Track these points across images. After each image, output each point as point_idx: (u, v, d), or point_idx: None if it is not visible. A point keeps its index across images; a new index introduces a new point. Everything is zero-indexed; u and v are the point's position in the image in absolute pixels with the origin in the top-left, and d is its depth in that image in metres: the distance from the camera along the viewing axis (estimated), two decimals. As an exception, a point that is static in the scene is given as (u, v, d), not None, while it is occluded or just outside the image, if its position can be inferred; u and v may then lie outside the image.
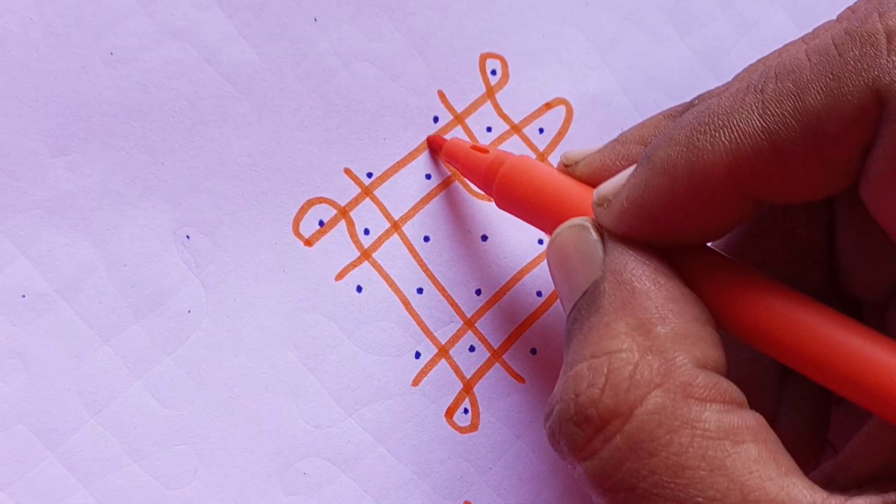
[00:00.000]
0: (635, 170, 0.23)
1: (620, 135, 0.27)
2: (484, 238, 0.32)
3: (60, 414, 0.29)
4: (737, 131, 0.21)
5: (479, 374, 0.32)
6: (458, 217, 0.32)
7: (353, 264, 0.31)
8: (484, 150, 0.29)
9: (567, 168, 0.28)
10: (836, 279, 0.26)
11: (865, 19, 0.20)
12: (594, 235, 0.24)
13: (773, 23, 0.35)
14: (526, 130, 0.33)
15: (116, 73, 0.30)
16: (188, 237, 0.30)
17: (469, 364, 0.32)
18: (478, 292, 0.32)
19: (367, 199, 0.32)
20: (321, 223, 0.31)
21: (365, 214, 0.32)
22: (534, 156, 0.33)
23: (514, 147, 0.33)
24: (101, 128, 0.30)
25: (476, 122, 0.33)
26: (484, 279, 0.32)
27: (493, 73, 0.33)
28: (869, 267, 0.25)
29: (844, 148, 0.20)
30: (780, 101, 0.21)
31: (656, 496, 0.20)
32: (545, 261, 0.32)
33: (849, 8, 0.23)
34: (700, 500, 0.20)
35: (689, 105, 0.26)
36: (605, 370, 0.21)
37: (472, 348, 0.32)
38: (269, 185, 0.31)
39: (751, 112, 0.21)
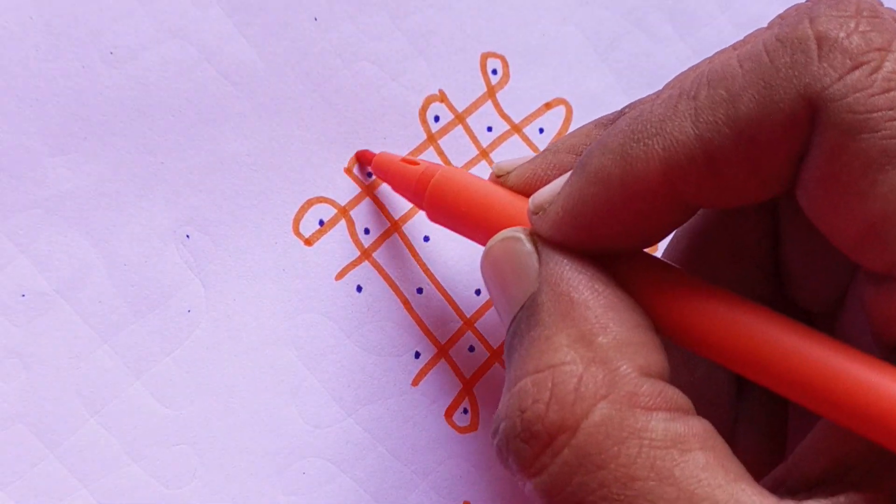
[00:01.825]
0: (569, 178, 0.23)
1: (551, 144, 0.27)
2: (484, 238, 0.32)
3: (60, 414, 0.29)
4: (670, 138, 0.21)
5: (479, 373, 0.32)
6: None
7: (353, 264, 0.31)
8: (414, 163, 0.29)
9: (499, 178, 0.27)
10: (784, 289, 0.26)
11: (796, 25, 0.20)
12: (528, 246, 0.24)
13: (774, 23, 0.35)
14: (526, 130, 0.33)
15: (116, 72, 0.30)
16: (188, 237, 0.30)
17: (469, 364, 0.32)
18: (477, 292, 0.32)
19: (368, 199, 0.32)
20: (321, 223, 0.31)
21: (365, 214, 0.32)
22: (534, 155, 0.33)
23: (514, 147, 0.33)
24: (101, 127, 0.30)
25: (477, 122, 0.33)
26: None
27: (494, 72, 0.33)
28: (815, 275, 0.25)
29: (778, 154, 0.20)
30: (713, 108, 0.21)
31: None
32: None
33: (779, 15, 0.23)
34: None
35: (620, 113, 0.26)
36: (550, 384, 0.21)
37: (471, 348, 0.32)
38: (269, 185, 0.31)
39: (684, 119, 0.21)
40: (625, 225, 0.22)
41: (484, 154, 0.33)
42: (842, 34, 0.20)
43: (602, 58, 0.34)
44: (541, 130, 0.33)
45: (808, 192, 0.21)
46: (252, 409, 0.30)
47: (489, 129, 0.33)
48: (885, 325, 0.21)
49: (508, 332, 0.23)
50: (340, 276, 0.31)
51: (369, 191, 0.32)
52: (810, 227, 0.22)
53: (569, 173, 0.23)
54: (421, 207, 0.28)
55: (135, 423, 0.29)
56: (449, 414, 0.31)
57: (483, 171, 0.33)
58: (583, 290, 0.22)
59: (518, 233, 0.24)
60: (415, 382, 0.31)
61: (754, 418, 0.27)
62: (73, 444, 0.29)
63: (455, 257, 0.32)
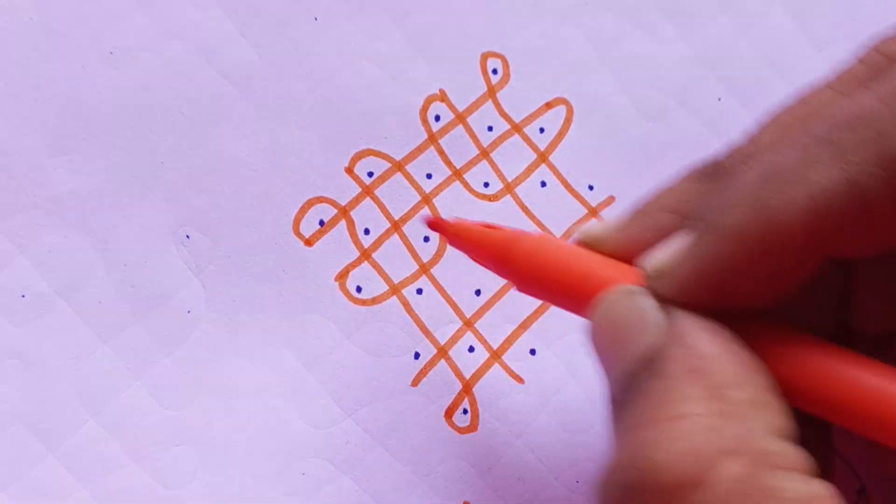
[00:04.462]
0: (695, 238, 0.21)
1: (643, 204, 0.25)
2: (484, 238, 0.32)
3: (60, 414, 0.29)
4: (816, 186, 0.20)
5: (479, 374, 0.32)
6: (457, 217, 0.32)
7: (353, 264, 0.31)
8: (495, 228, 0.27)
9: (589, 246, 0.25)
10: (851, 313, 0.25)
11: None
12: (651, 301, 0.22)
13: (774, 22, 0.35)
14: (527, 130, 0.33)
15: (116, 72, 0.30)
16: (188, 237, 0.30)
17: (468, 364, 0.32)
18: (477, 293, 0.32)
19: (368, 199, 0.32)
20: (321, 223, 0.31)
21: (365, 214, 0.32)
22: (534, 155, 0.33)
23: (515, 147, 0.33)
24: (100, 127, 0.30)
25: (477, 122, 0.33)
26: (483, 279, 0.32)
27: (495, 72, 0.33)
28: (884, 301, 0.24)
29: None
30: (862, 148, 0.19)
31: None
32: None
33: (875, 49, 0.22)
34: None
35: (716, 164, 0.24)
36: (677, 434, 0.19)
37: (471, 349, 0.32)
38: (270, 185, 0.31)
39: (829, 163, 0.20)
40: (760, 283, 0.21)
41: (484, 154, 0.33)
42: None
43: (603, 58, 0.34)
44: (541, 130, 0.33)
45: None
46: (252, 409, 0.30)
47: (490, 128, 0.33)
48: None
49: (619, 386, 0.22)
50: (340, 276, 0.31)
51: (369, 191, 0.32)
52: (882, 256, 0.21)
53: (680, 237, 0.22)
54: (506, 277, 0.26)
55: (135, 423, 0.29)
56: (449, 414, 0.31)
57: (483, 171, 0.33)
58: (714, 346, 0.21)
59: (635, 289, 0.23)
60: (414, 383, 0.31)
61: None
62: (73, 444, 0.29)
63: (455, 257, 0.32)
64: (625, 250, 0.25)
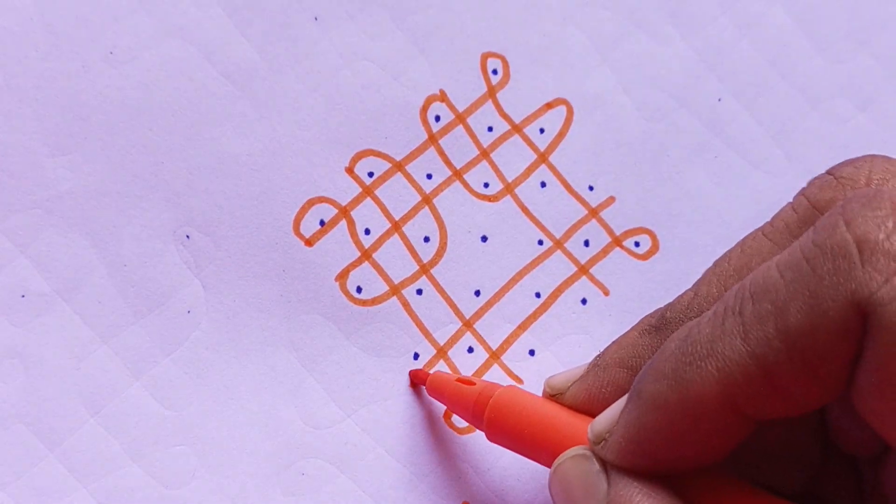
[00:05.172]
0: (626, 405, 0.23)
1: (598, 358, 0.28)
2: (484, 239, 0.32)
3: (60, 414, 0.29)
4: (722, 358, 0.21)
5: (478, 375, 0.32)
6: (458, 217, 0.32)
7: (354, 264, 0.31)
8: (469, 383, 0.29)
9: (553, 396, 0.28)
10: (830, 435, 0.26)
11: (833, 230, 0.20)
12: (596, 466, 0.24)
13: (774, 23, 0.35)
14: (527, 130, 0.33)
15: (116, 72, 0.30)
16: (188, 237, 0.30)
17: (468, 365, 0.32)
18: (477, 293, 0.32)
19: (368, 199, 0.32)
20: (322, 223, 0.31)
21: (366, 214, 0.32)
22: (534, 156, 0.33)
23: (515, 147, 0.33)
24: (101, 127, 0.30)
25: (477, 122, 0.33)
26: (483, 280, 0.32)
27: (495, 72, 0.33)
28: (861, 428, 0.25)
29: (833, 362, 0.20)
30: (761, 322, 0.21)
31: None
32: (544, 263, 0.33)
33: (804, 194, 0.24)
34: None
35: (661, 317, 0.26)
36: None
37: (470, 349, 0.32)
38: (270, 185, 0.31)
39: (733, 337, 0.21)
40: (688, 447, 0.22)
41: (485, 154, 0.33)
42: (881, 235, 0.20)
43: (603, 58, 0.34)
44: (541, 130, 0.33)
45: (862, 394, 0.21)
46: (251, 410, 0.30)
47: (490, 129, 0.33)
48: None
49: None
50: (340, 276, 0.31)
51: (370, 191, 0.32)
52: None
53: (623, 399, 0.24)
54: (480, 428, 0.28)
55: (135, 424, 0.30)
56: (448, 415, 0.31)
57: (483, 171, 0.33)
58: None
59: (585, 451, 0.24)
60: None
61: None
62: (73, 444, 0.29)
63: (455, 257, 0.32)
64: (584, 402, 0.27)
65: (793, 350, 0.20)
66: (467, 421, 0.29)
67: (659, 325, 0.26)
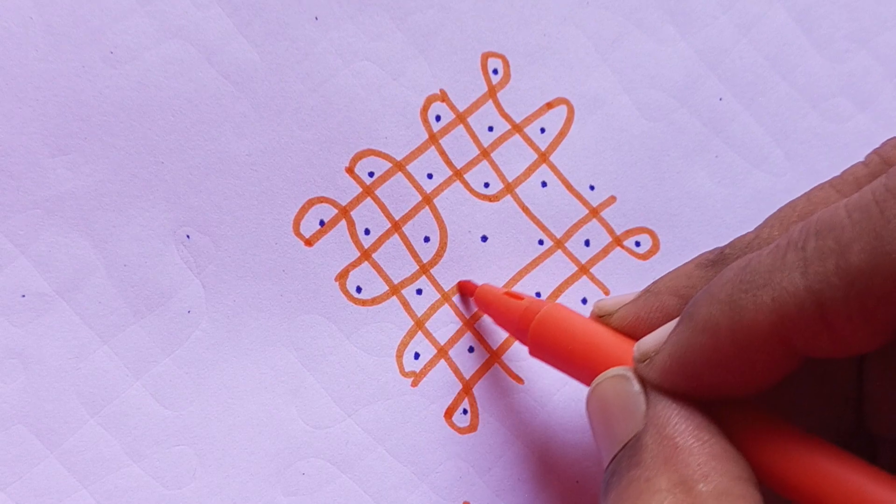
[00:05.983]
0: (677, 327, 0.23)
1: (652, 285, 0.27)
2: (484, 238, 0.32)
3: (60, 414, 0.29)
4: (779, 289, 0.21)
5: (479, 374, 0.32)
6: (458, 217, 0.32)
7: (354, 264, 0.31)
8: (517, 297, 0.29)
9: (601, 318, 0.28)
10: (864, 417, 0.26)
11: None
12: (636, 387, 0.24)
13: (774, 22, 0.35)
14: (527, 130, 0.33)
15: (116, 72, 0.30)
16: (188, 237, 0.30)
17: (468, 365, 0.32)
18: (478, 293, 0.32)
19: (369, 199, 0.32)
20: (322, 223, 0.31)
21: (366, 214, 0.32)
22: (535, 155, 0.33)
23: (515, 147, 0.33)
24: (101, 128, 0.30)
25: (478, 122, 0.33)
26: (484, 279, 0.32)
27: (495, 72, 0.33)
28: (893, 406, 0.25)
29: (889, 305, 0.20)
30: (823, 259, 0.20)
31: None
32: (544, 262, 0.33)
33: (877, 152, 0.23)
34: None
35: (720, 253, 0.26)
36: None
37: (471, 349, 0.32)
38: (270, 185, 0.31)
39: (793, 270, 0.21)
40: (733, 374, 0.22)
41: (485, 154, 0.33)
42: None
43: (603, 57, 0.34)
44: (542, 130, 0.33)
45: None
46: (251, 410, 0.30)
47: (490, 128, 0.33)
48: None
49: (608, 469, 0.24)
50: (340, 276, 0.31)
51: (370, 191, 0.32)
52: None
53: (674, 321, 0.24)
54: (523, 342, 0.28)
55: (135, 424, 0.30)
56: (448, 414, 0.31)
57: (484, 171, 0.33)
58: (688, 436, 0.22)
59: (626, 372, 0.24)
60: (414, 383, 0.31)
61: None
62: (73, 445, 0.29)
63: (455, 257, 0.32)
64: (631, 326, 0.27)
65: (850, 288, 0.20)
66: (512, 335, 0.29)
67: (717, 259, 0.26)
